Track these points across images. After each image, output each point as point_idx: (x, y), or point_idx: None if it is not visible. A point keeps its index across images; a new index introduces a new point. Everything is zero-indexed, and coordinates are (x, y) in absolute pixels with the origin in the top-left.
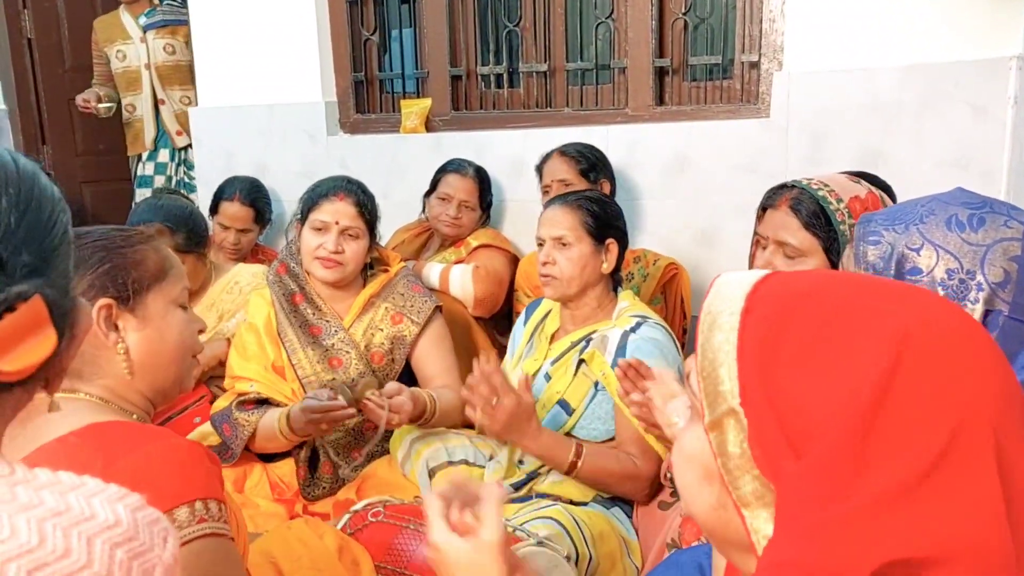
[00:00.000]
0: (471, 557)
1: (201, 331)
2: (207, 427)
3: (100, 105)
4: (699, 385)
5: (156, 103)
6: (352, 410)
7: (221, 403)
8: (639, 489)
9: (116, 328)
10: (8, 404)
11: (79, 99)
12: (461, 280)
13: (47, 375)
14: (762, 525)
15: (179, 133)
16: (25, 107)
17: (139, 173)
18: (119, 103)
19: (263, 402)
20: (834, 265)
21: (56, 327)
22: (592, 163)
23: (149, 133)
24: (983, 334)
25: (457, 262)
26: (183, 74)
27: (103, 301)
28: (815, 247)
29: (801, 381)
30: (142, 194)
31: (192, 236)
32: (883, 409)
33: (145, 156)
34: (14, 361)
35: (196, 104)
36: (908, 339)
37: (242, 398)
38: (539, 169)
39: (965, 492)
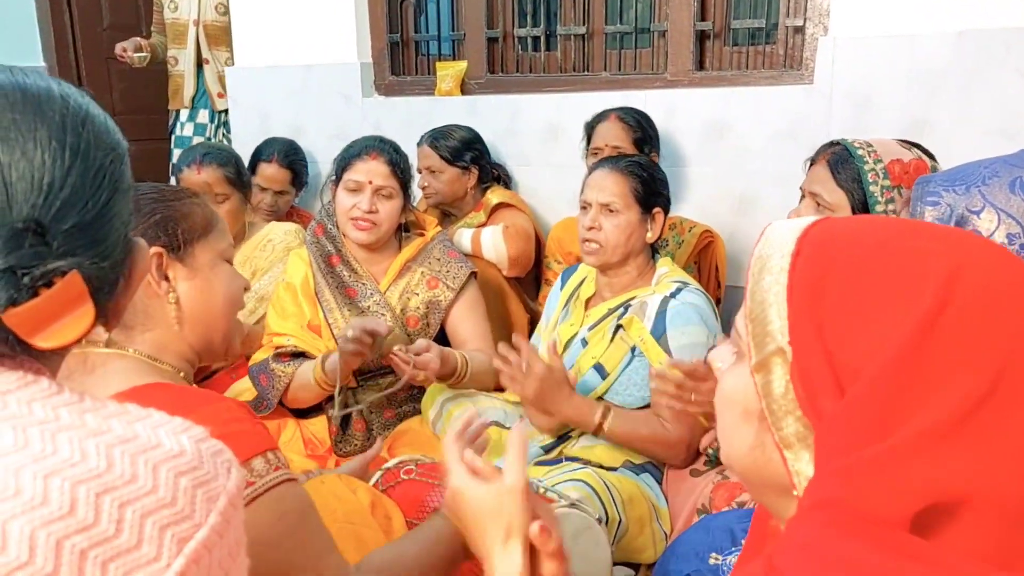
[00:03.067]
0: (493, 502)
1: (245, 289)
2: (242, 383)
3: (135, 55)
4: (747, 328)
5: (199, 61)
6: (388, 325)
7: (259, 356)
8: (672, 455)
9: (167, 278)
10: None
11: (118, 47)
12: (493, 241)
13: (105, 313)
14: (804, 467)
15: (220, 96)
16: (64, 65)
17: (178, 133)
18: (158, 54)
19: (300, 355)
20: None
21: (96, 301)
22: (648, 135)
23: (188, 90)
24: None
25: (481, 226)
26: (231, 36)
27: (154, 249)
28: (844, 203)
29: (850, 319)
30: (179, 155)
31: (241, 172)
32: (927, 347)
33: (185, 116)
34: (50, 339)
35: None
36: (956, 278)
37: (279, 350)
38: (590, 127)
39: (1010, 433)
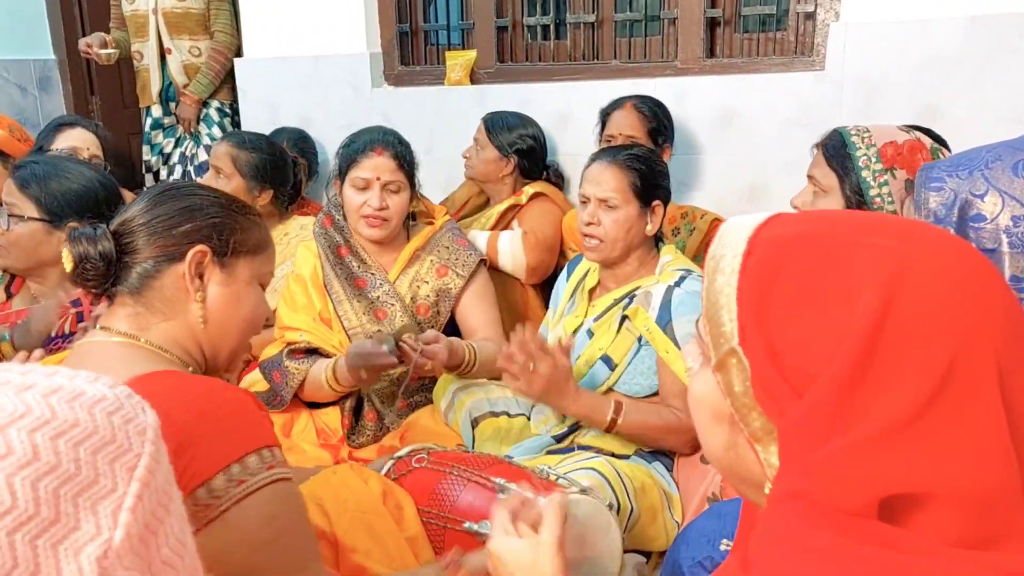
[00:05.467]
0: (530, 556)
1: (267, 323)
2: (253, 375)
3: (101, 51)
4: (705, 328)
5: (162, 53)
6: (393, 359)
7: (271, 351)
8: (683, 442)
9: (200, 277)
10: None
11: (82, 43)
12: (511, 249)
13: None
14: (774, 459)
15: (186, 86)
16: (74, 58)
17: (147, 129)
18: (124, 50)
19: (312, 351)
20: (850, 205)
21: None
22: (663, 125)
23: (155, 84)
24: (986, 266)
25: (513, 207)
26: (193, 23)
27: (200, 247)
28: (834, 185)
29: (797, 320)
30: (146, 151)
31: (274, 167)
32: (879, 343)
33: (158, 112)
34: None
35: (205, 56)
36: (902, 274)
37: (292, 347)
38: (605, 114)
39: (967, 424)
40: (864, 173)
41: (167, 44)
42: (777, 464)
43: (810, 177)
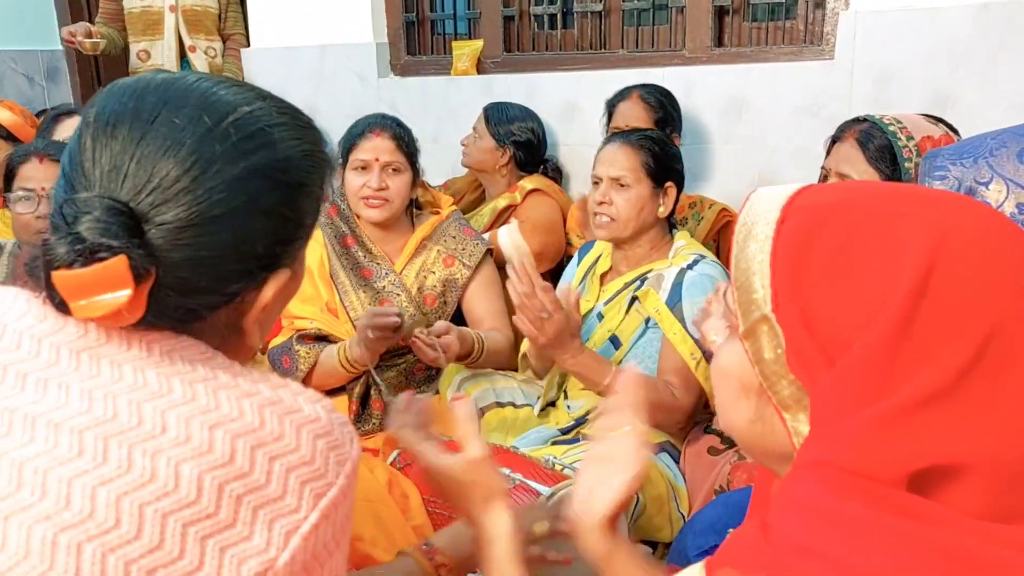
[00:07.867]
0: (465, 474)
1: None
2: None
3: (86, 40)
4: (733, 296)
5: (181, 51)
6: (398, 320)
7: (280, 339)
8: (674, 421)
9: None
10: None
11: (65, 31)
12: (512, 240)
13: (165, 309)
14: (802, 427)
15: None
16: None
17: None
18: (118, 44)
19: (322, 338)
20: None
21: (160, 293)
22: (670, 115)
23: None
24: (1023, 238)
25: (510, 206)
26: (209, 22)
27: None
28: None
29: (834, 287)
30: None
31: None
32: (916, 313)
33: None
34: (85, 309)
35: (221, 57)
36: (942, 243)
37: (302, 332)
38: (611, 105)
39: (1003, 396)
40: (907, 165)
41: (189, 42)
42: (804, 432)
43: (840, 175)
